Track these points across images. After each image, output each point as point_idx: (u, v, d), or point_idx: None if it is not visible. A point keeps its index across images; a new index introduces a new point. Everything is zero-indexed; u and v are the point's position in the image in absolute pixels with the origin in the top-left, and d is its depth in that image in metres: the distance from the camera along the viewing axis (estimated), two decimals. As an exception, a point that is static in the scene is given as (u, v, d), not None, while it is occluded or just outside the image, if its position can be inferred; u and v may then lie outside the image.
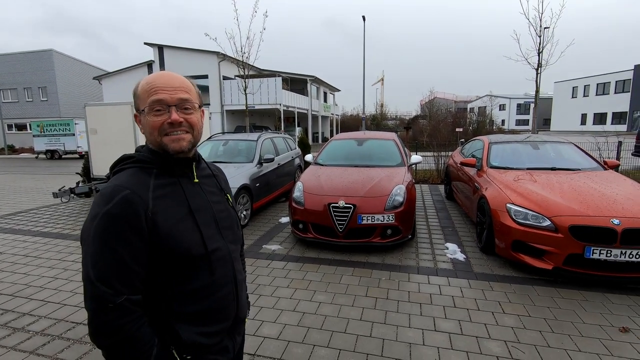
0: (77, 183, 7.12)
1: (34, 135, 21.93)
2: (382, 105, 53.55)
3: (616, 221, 3.18)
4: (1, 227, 5.79)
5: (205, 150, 6.78)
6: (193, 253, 0.94)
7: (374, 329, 2.74)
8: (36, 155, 22.69)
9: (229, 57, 12.93)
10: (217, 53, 22.78)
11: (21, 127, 30.71)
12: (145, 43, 25.74)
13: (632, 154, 11.37)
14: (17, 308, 3.14)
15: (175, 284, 0.95)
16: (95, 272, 0.85)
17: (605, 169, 4.61)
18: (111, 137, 6.96)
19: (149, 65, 25.94)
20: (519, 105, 55.63)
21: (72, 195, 6.81)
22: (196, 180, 1.05)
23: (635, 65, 36.50)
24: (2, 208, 7.26)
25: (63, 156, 21.44)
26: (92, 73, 31.07)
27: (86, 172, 7.51)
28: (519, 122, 53.85)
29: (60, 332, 2.76)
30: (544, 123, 51.36)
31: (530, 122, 12.30)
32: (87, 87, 31.68)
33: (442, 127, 21.30)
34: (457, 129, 18.94)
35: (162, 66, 25.13)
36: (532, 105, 11.44)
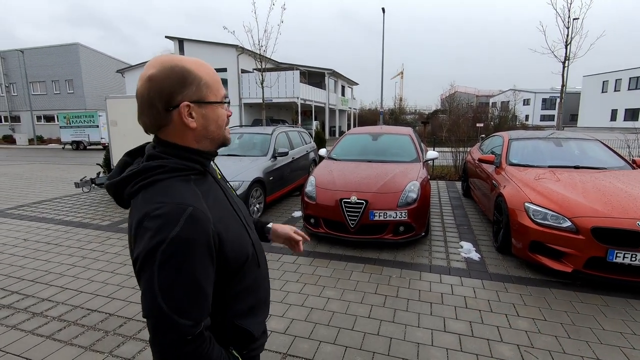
0: (98, 174, 7.33)
1: (60, 127, 22.78)
2: (401, 100, 52.78)
3: (643, 224, 3.01)
4: (27, 214, 6.04)
5: (220, 143, 6.84)
6: (249, 254, 0.93)
7: (382, 327, 2.70)
8: (63, 145, 23.58)
9: (247, 50, 12.98)
10: (235, 46, 22.92)
11: (49, 119, 31.92)
12: (166, 37, 26.17)
13: (665, 153, 10.78)
14: (37, 293, 3.27)
15: (233, 285, 0.92)
16: (171, 304, 0.75)
17: (634, 168, 4.37)
18: (129, 129, 7.11)
19: (170, 58, 26.31)
20: (544, 100, 53.62)
21: (93, 185, 7.02)
22: (219, 176, 1.01)
23: (672, 58, 34.39)
24: (28, 196, 7.58)
25: (88, 147, 22.20)
26: (115, 66, 31.89)
27: (107, 162, 7.72)
28: (543, 118, 51.97)
29: (76, 318, 2.86)
30: (571, 119, 49.36)
31: (556, 118, 11.82)
32: (110, 80, 32.54)
33: (462, 122, 20.73)
34: (477, 124, 18.40)
35: (182, 59, 25.44)
36: (558, 100, 10.98)
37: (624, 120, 38.56)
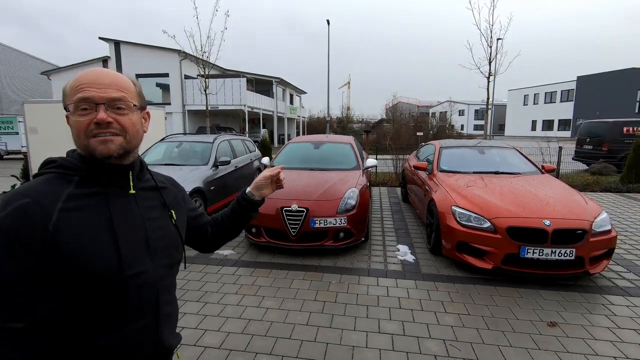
0: (13, 186, 6.56)
1: (-30, 134, 20.03)
2: (348, 109, 54.29)
3: (547, 222, 3.40)
4: None
5: (158, 152, 6.51)
6: (103, 277, 0.81)
7: (319, 334, 2.73)
8: (-27, 155, 20.73)
9: (191, 55, 12.55)
10: (178, 51, 22.04)
11: (-44, 125, 27.95)
12: (100, 38, 24.38)
13: (572, 159, 12.32)
14: None
15: (78, 311, 0.81)
16: None
17: (543, 173, 4.93)
18: (56, 137, 6.48)
19: (104, 61, 24.62)
20: (476, 111, 58.57)
21: (8, 199, 6.26)
22: (132, 191, 0.91)
23: (577, 77, 39.68)
24: None
25: (5, 156, 19.77)
26: (40, 67, 28.96)
27: (25, 174, 6.94)
28: (476, 127, 56.64)
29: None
30: (499, 128, 54.40)
31: (484, 128, 12.99)
32: (34, 83, 29.50)
33: (404, 131, 21.93)
34: (418, 133, 19.56)
35: (118, 63, 23.93)
36: (486, 112, 12.09)
37: (542, 130, 43.47)
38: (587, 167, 11.43)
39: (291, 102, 35.38)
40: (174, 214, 1.02)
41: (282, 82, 30.34)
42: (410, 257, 4.24)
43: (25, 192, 0.80)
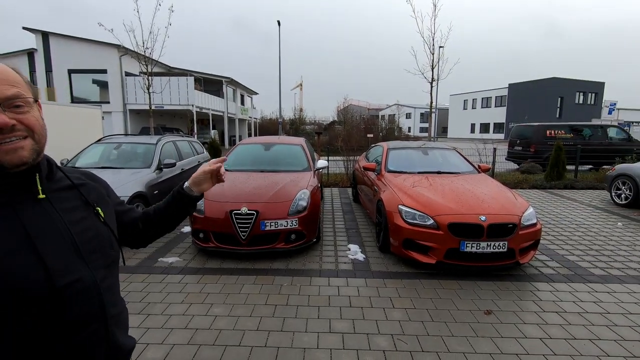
0: None
1: None
2: (301, 110, 54.45)
3: (483, 218, 3.67)
4: None
5: (94, 154, 6.01)
6: (30, 294, 0.73)
7: (270, 338, 2.69)
8: None
9: (132, 51, 11.76)
10: (118, 46, 20.55)
11: None
12: (24, 28, 21.96)
13: (505, 159, 13.47)
14: None
15: (10, 333, 0.73)
16: None
17: (479, 172, 5.32)
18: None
19: (30, 54, 22.26)
20: (422, 115, 61.84)
21: None
22: (41, 195, 0.82)
23: (509, 84, 43.56)
24: None
25: None
26: (-51, 59, 25.39)
27: None
28: (422, 130, 59.77)
29: None
30: (443, 131, 57.96)
31: (428, 130, 13.74)
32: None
33: (355, 133, 22.46)
34: (368, 135, 20.16)
35: (47, 56, 21.75)
36: (429, 115, 12.79)
37: (480, 132, 47.08)
38: (517, 167, 12.57)
39: (242, 103, 34.64)
40: (100, 211, 0.94)
41: (233, 82, 29.60)
42: (360, 256, 4.33)
43: None
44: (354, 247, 4.62)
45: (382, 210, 4.38)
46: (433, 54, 11.54)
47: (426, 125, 58.63)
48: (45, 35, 21.98)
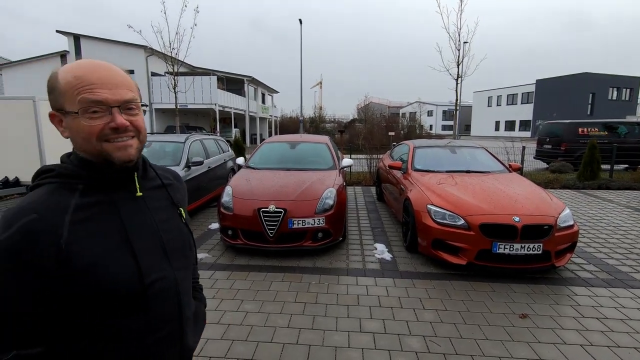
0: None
1: None
2: (320, 108, 54.49)
3: (517, 219, 3.56)
4: None
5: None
6: (123, 288, 0.77)
7: (301, 336, 2.70)
8: None
9: (158, 52, 12.08)
10: (144, 47, 21.15)
11: None
12: (57, 31, 22.99)
13: (534, 158, 13.02)
14: None
15: (99, 326, 0.77)
16: None
17: (510, 172, 5.16)
18: (8, 136, 6.04)
19: (62, 56, 23.22)
20: (444, 112, 60.67)
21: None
22: (139, 193, 0.86)
23: (536, 80, 42.03)
24: None
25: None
26: (-10, 61, 26.86)
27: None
28: (444, 127, 58.68)
29: None
30: (465, 129, 56.61)
31: (453, 128, 13.45)
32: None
33: (376, 131, 22.30)
34: (389, 133, 19.97)
35: (78, 58, 22.62)
36: (454, 112, 12.52)
37: (505, 130, 45.67)
38: (547, 166, 12.12)
39: (263, 102, 34.98)
40: (182, 211, 0.97)
41: (254, 81, 29.94)
42: (387, 256, 4.29)
43: (29, 207, 0.72)
44: (380, 247, 4.58)
45: (410, 209, 4.32)
46: (459, 50, 11.27)
47: (448, 122, 57.52)
48: (76, 38, 22.93)
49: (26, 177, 6.06)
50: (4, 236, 0.69)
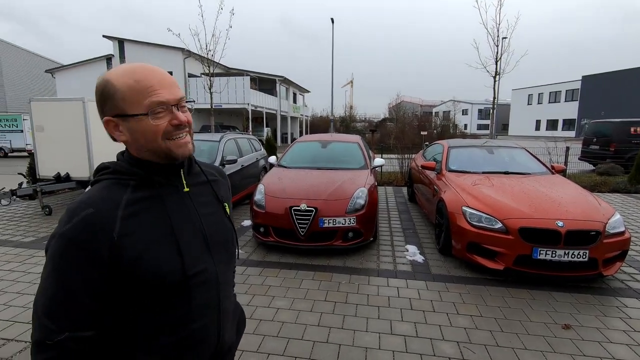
0: (20, 184, 6.56)
1: (-25, 131, 20.12)
2: (351, 108, 54.26)
3: (560, 223, 3.36)
4: None
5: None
6: (167, 281, 0.81)
7: (331, 335, 2.71)
8: (-22, 152, 20.81)
9: (195, 54, 12.54)
10: (182, 49, 22.05)
11: (-39, 122, 28.09)
12: (104, 36, 24.45)
13: (579, 159, 12.24)
14: (-63, 325, 2.81)
15: (143, 313, 0.82)
16: (42, 302, 0.75)
17: (553, 173, 4.89)
18: (60, 135, 6.50)
19: (108, 59, 24.65)
20: (480, 111, 58.37)
21: (14, 197, 6.27)
22: (186, 189, 0.90)
23: (582, 76, 39.42)
24: None
25: (9, 154, 19.85)
26: (44, 65, 29.05)
27: (31, 172, 6.95)
28: (480, 127, 56.45)
29: (-12, 350, 2.51)
30: (503, 128, 54.21)
31: (489, 127, 12.92)
32: (38, 81, 29.61)
33: (408, 130, 21.90)
34: (422, 132, 19.54)
35: (122, 61, 23.95)
36: (491, 111, 12.02)
37: (546, 129, 43.23)
38: (593, 168, 11.35)
39: (294, 101, 35.34)
40: (227, 207, 1.01)
41: (286, 81, 30.30)
42: (419, 258, 4.20)
43: (88, 201, 0.79)
44: (412, 248, 4.49)
45: (443, 211, 4.21)
46: (497, 46, 10.80)
47: (484, 122, 55.31)
48: (121, 42, 24.27)
49: (75, 173, 6.50)
50: (67, 227, 0.76)
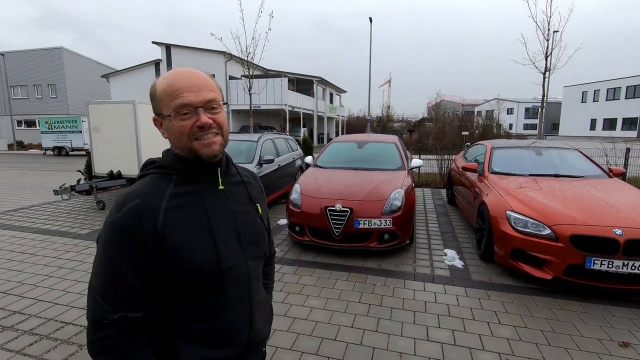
0: (78, 180, 7.14)
1: (42, 132, 22.21)
2: (388, 107, 53.38)
3: (619, 231, 3.08)
4: (2, 223, 5.82)
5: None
6: (203, 270, 0.87)
7: (365, 337, 2.68)
8: (44, 151, 22.96)
9: (235, 57, 12.95)
10: (223, 53, 22.84)
11: (30, 124, 31.14)
12: (153, 42, 25.93)
13: (641, 161, 11.14)
14: (8, 306, 3.13)
15: (181, 300, 0.88)
16: (97, 283, 0.83)
17: (610, 177, 4.50)
18: (113, 135, 6.98)
19: (156, 64, 26.13)
20: (527, 109, 55.08)
21: (73, 192, 6.83)
22: (221, 187, 0.96)
23: (646, 71, 35.88)
24: (4, 204, 7.33)
25: (70, 153, 21.67)
26: (100, 71, 31.41)
27: (88, 169, 7.53)
28: (527, 127, 53.30)
29: (49, 331, 2.75)
30: (552, 128, 50.77)
31: (537, 127, 12.15)
32: (95, 85, 32.04)
33: (448, 130, 21.18)
34: (463, 133, 18.77)
35: (169, 65, 25.30)
36: (540, 110, 11.28)
37: (603, 129, 39.85)
38: (658, 171, 10.27)
39: (331, 101, 35.40)
40: (259, 207, 1.06)
41: (323, 82, 30.44)
42: (458, 263, 4.04)
43: (136, 193, 0.86)
44: (450, 253, 4.33)
45: (486, 215, 4.01)
46: (547, 40, 10.12)
47: (532, 121, 52.12)
48: (168, 47, 25.62)
49: (126, 170, 6.96)
50: (117, 216, 0.83)
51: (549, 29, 10.09)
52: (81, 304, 3.15)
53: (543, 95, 10.77)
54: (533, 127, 51.61)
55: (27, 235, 5.16)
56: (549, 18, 9.96)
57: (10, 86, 30.44)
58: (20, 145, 29.28)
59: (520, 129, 52.31)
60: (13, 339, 2.65)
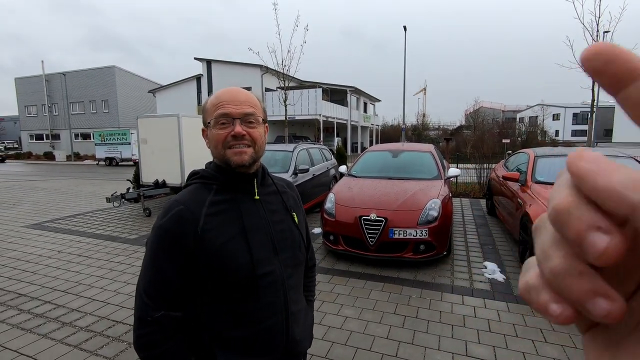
0: (128, 189, 7.67)
1: (95, 144, 24.09)
2: (424, 115, 52.35)
3: None
4: (62, 227, 6.37)
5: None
6: (239, 275, 0.91)
7: (400, 349, 2.64)
8: (97, 162, 24.85)
9: (271, 69, 13.40)
10: (260, 66, 23.65)
11: (86, 137, 33.84)
12: (195, 58, 27.44)
13: None
14: (67, 304, 3.42)
15: (219, 305, 0.93)
16: (143, 283, 0.91)
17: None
18: (158, 146, 7.44)
19: (198, 78, 27.56)
20: (575, 115, 51.72)
21: (123, 200, 7.34)
22: (257, 197, 1.01)
23: None
24: (64, 210, 8.01)
25: (120, 163, 23.29)
26: (147, 86, 33.63)
27: (136, 179, 8.06)
28: (575, 133, 49.99)
29: (102, 329, 2.97)
30: (605, 134, 47.24)
31: (587, 134, 11.39)
32: (143, 100, 34.30)
33: (487, 138, 20.38)
34: (503, 140, 17.98)
35: (209, 79, 26.60)
36: (590, 115, 10.59)
37: (664, 135, 36.45)
38: None
39: (365, 111, 35.36)
40: (295, 216, 1.10)
41: (357, 91, 30.54)
42: (499, 276, 3.88)
43: (180, 200, 0.95)
44: (490, 265, 4.16)
45: (529, 226, 3.82)
46: (596, 41, 9.53)
47: (581, 127, 48.84)
48: (208, 63, 26.98)
49: (170, 180, 7.38)
50: (163, 220, 0.92)
51: (597, 30, 9.52)
52: (129, 305, 3.37)
53: (593, 99, 10.11)
54: (582, 133, 48.28)
55: (83, 239, 5.60)
56: (597, 18, 9.41)
57: (70, 102, 33.37)
58: (77, 156, 31.88)
59: (568, 136, 49.12)
60: (71, 334, 2.89)
